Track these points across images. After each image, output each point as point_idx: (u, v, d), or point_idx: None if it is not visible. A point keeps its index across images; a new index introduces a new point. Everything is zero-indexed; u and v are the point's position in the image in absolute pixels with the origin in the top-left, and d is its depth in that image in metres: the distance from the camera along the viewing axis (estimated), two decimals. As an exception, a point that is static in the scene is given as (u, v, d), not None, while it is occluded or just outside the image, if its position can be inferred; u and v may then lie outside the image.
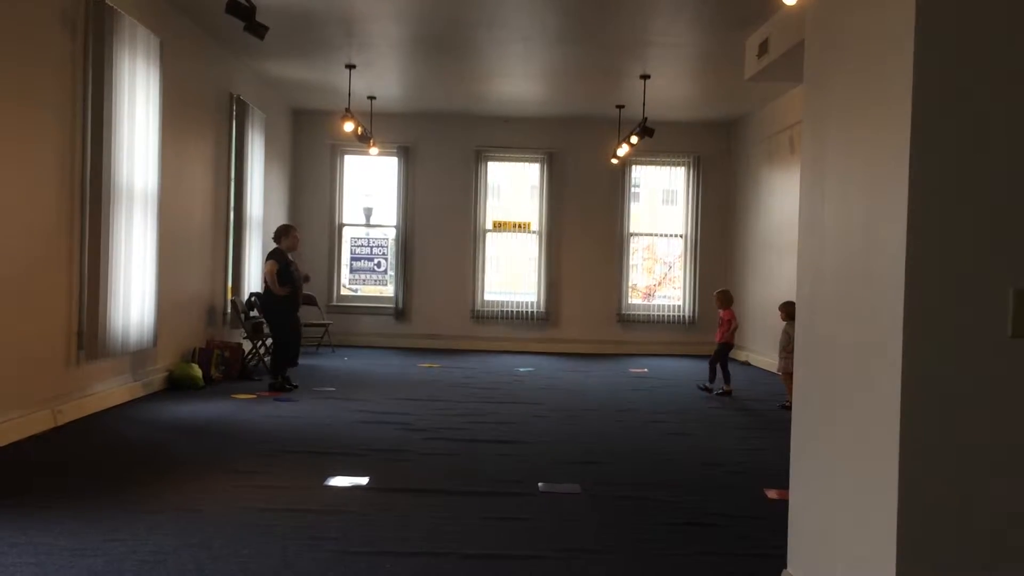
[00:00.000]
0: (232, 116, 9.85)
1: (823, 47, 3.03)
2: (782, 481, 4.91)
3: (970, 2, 2.34)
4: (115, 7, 6.64)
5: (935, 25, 2.33)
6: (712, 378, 9.00)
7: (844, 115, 2.82)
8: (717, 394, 8.78)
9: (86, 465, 5.13)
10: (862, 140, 2.66)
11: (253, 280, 10.42)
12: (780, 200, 11.17)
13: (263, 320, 9.87)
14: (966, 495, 2.35)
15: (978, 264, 2.34)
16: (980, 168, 2.35)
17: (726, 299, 9.17)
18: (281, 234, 8.46)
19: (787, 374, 8.01)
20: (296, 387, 8.31)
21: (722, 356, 8.98)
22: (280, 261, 8.19)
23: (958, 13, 2.34)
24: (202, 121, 9.04)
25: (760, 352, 11.81)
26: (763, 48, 8.13)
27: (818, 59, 3.07)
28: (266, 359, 9.69)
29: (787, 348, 8.00)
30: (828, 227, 2.90)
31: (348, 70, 10.17)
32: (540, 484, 4.95)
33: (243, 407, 7.25)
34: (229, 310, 9.79)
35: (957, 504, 2.35)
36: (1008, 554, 2.35)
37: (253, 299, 10.17)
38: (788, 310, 8.26)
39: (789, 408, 7.80)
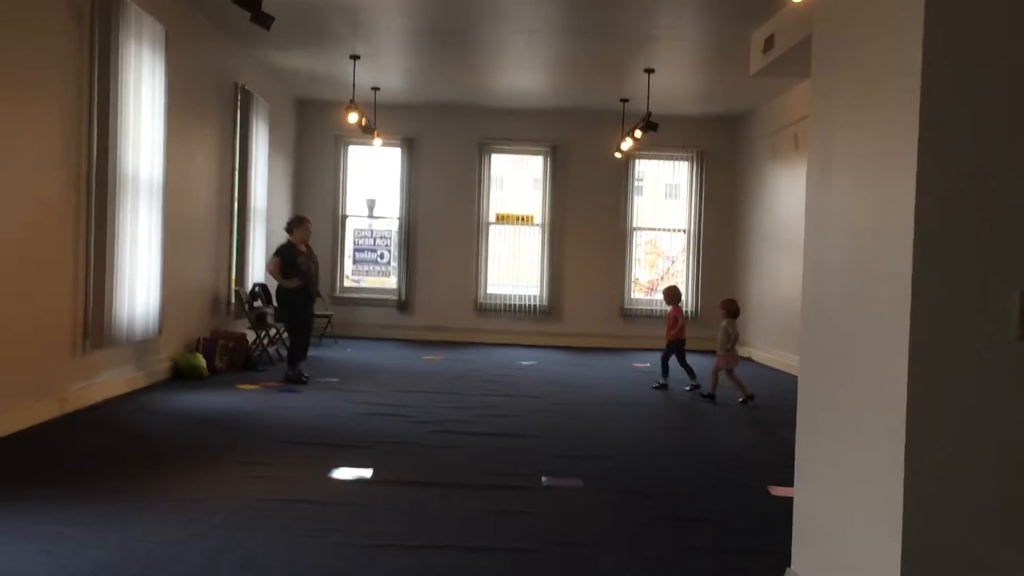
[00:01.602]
0: (237, 106, 9.84)
1: (831, 42, 3.03)
2: (785, 477, 4.93)
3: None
4: (121, -4, 6.64)
5: (944, 19, 2.33)
6: (692, 375, 8.82)
7: (852, 111, 2.82)
8: (687, 390, 8.65)
9: (92, 454, 5.15)
10: (870, 136, 2.67)
11: (257, 270, 10.43)
12: (784, 196, 11.16)
13: (267, 311, 9.90)
14: (972, 494, 2.36)
15: (985, 263, 2.34)
16: (989, 165, 2.35)
17: (674, 296, 9.14)
18: (294, 225, 8.48)
19: (727, 371, 8.12)
20: (307, 380, 8.34)
21: (678, 353, 8.86)
22: (286, 256, 8.20)
23: (967, 7, 2.34)
24: (207, 111, 9.04)
25: (762, 348, 11.82)
26: (769, 43, 8.12)
27: (826, 54, 3.07)
28: (270, 349, 9.71)
29: (725, 345, 8.06)
30: (835, 224, 2.91)
31: (352, 61, 10.16)
32: (543, 478, 4.97)
33: (247, 397, 7.27)
34: (233, 300, 9.81)
35: (963, 503, 2.36)
36: (1014, 554, 2.37)
37: (257, 289, 10.18)
38: (728, 307, 8.34)
39: (744, 402, 8.00)
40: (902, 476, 2.35)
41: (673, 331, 8.84)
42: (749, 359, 12.00)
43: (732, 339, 8.13)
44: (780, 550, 3.59)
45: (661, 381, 8.88)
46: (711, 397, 8.18)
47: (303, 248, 8.40)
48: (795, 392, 3.23)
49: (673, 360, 8.82)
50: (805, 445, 3.12)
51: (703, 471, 5.37)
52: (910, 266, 2.35)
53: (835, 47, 2.99)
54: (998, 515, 2.37)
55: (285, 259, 8.18)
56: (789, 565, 3.22)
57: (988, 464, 2.36)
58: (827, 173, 3.00)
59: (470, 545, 3.74)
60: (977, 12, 2.34)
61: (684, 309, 13.38)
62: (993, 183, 2.35)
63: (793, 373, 9.93)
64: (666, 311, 13.30)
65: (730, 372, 8.14)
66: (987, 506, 2.36)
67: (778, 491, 4.86)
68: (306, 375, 8.37)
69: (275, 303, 8.88)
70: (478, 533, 3.92)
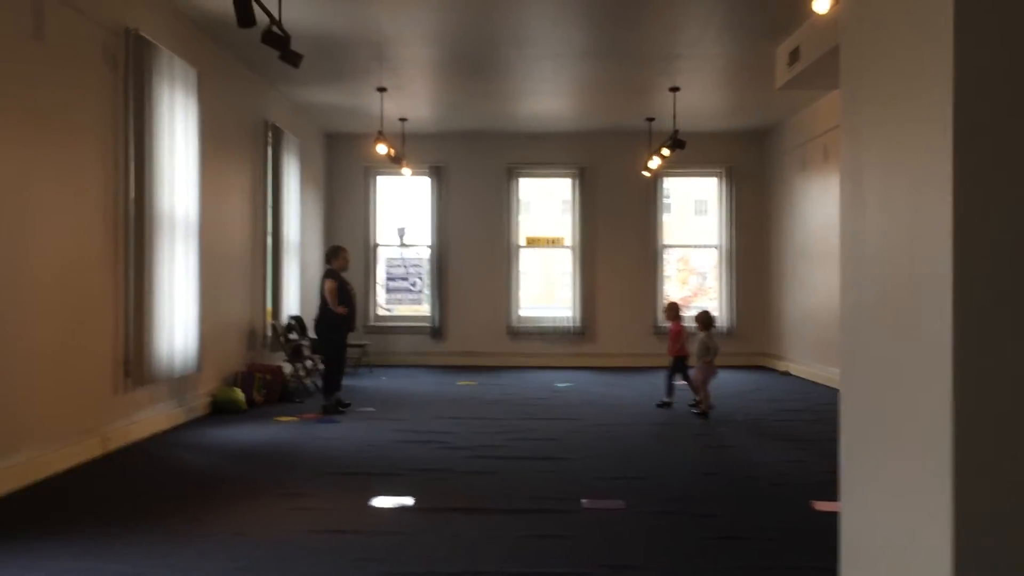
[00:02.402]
0: (267, 142, 10.01)
1: (859, 53, 3.02)
2: (828, 492, 4.85)
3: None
4: (154, 41, 6.80)
5: (976, 26, 2.31)
6: (670, 392, 8.81)
7: (883, 122, 2.81)
8: (706, 407, 8.47)
9: (136, 491, 5.22)
10: (902, 147, 2.64)
11: (291, 303, 10.55)
12: (815, 208, 11.07)
13: (302, 343, 9.98)
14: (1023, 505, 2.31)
15: (1025, 270, 2.31)
16: (1024, 174, 2.31)
17: (675, 312, 9.09)
18: (332, 256, 8.55)
19: (701, 382, 8.10)
20: (349, 405, 8.39)
21: (680, 369, 8.82)
22: (337, 280, 8.30)
23: (998, 15, 2.31)
24: (239, 149, 9.20)
25: (799, 362, 11.68)
26: (794, 56, 8.10)
27: (854, 66, 3.06)
28: (306, 381, 9.78)
29: (703, 357, 8.01)
30: (870, 237, 2.88)
31: (379, 93, 10.30)
32: (583, 500, 4.94)
33: (286, 430, 7.33)
34: (269, 333, 9.91)
35: (1015, 517, 2.31)
36: (1068, 565, 2.31)
37: (292, 322, 10.28)
38: (704, 320, 8.29)
39: (700, 415, 7.96)
40: (951, 490, 2.31)
41: (676, 347, 8.80)
42: (788, 373, 11.86)
43: (712, 352, 8.15)
44: (826, 566, 3.53)
45: (665, 399, 8.81)
46: (705, 415, 8.12)
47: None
48: (834, 405, 3.19)
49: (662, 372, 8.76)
50: (849, 459, 3.08)
51: (745, 488, 5.30)
52: (950, 278, 2.31)
53: (863, 58, 2.98)
54: (1052, 525, 2.31)
55: (338, 282, 8.28)
56: (838, 582, 3.16)
57: (1038, 473, 2.31)
58: (859, 186, 2.97)
59: (513, 571, 3.72)
60: (1010, 20, 2.32)
61: (718, 326, 13.35)
62: (1029, 188, 2.31)
63: (832, 386, 9.79)
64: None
65: (704, 383, 8.16)
66: (1040, 516, 2.31)
67: (822, 506, 4.79)
68: (347, 401, 8.43)
69: (314, 333, 8.88)
70: (521, 558, 3.90)
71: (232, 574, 3.64)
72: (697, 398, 8.38)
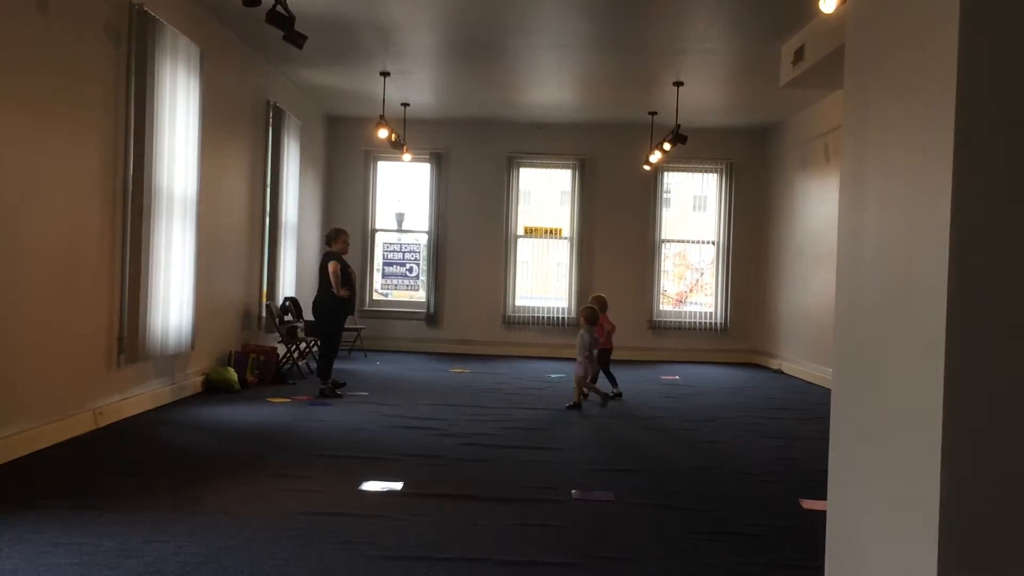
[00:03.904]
0: (268, 123, 9.99)
1: (864, 53, 3.02)
2: (817, 491, 4.88)
3: (1018, 1, 2.31)
4: (158, 17, 6.77)
5: (980, 29, 2.31)
6: (615, 383, 8.88)
7: (886, 122, 2.81)
8: (611, 396, 8.56)
9: (127, 467, 5.23)
10: (904, 148, 2.65)
11: (288, 284, 10.55)
12: (815, 208, 11.08)
13: (297, 325, 9.98)
14: (1012, 509, 2.32)
15: (1022, 274, 2.31)
16: (1025, 179, 2.32)
17: (602, 306, 9.11)
18: (332, 238, 8.51)
19: (582, 377, 8.16)
20: (344, 384, 8.40)
21: (605, 362, 8.90)
22: (341, 261, 8.28)
23: (1006, 15, 2.31)
24: (239, 128, 9.18)
25: (792, 361, 11.71)
26: (799, 55, 8.09)
27: (859, 66, 3.06)
28: (300, 363, 9.79)
29: (583, 353, 8.06)
30: (868, 236, 2.89)
31: (382, 77, 10.27)
32: (573, 491, 4.96)
33: (279, 411, 7.34)
34: (264, 314, 9.91)
35: (1002, 519, 2.33)
36: (1052, 570, 2.33)
37: (287, 303, 10.28)
38: (587, 315, 8.34)
39: (573, 407, 8.01)
40: (938, 491, 2.32)
41: (604, 339, 8.85)
42: (780, 371, 11.90)
43: (592, 346, 8.20)
44: (812, 565, 3.56)
45: (614, 391, 8.81)
46: (577, 406, 8.16)
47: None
48: (827, 405, 3.21)
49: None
50: (838, 459, 3.09)
51: (734, 484, 5.33)
52: (945, 279, 2.32)
53: (868, 58, 2.98)
54: (1037, 530, 2.33)
55: (340, 264, 8.25)
56: (823, 580, 3.19)
57: (1026, 478, 2.32)
58: (860, 187, 2.98)
59: (501, 559, 3.74)
60: (1015, 21, 2.32)
61: (714, 322, 13.38)
62: (1028, 194, 2.32)
63: (825, 385, 9.83)
64: (695, 323, 13.34)
65: (584, 378, 8.22)
66: (1026, 521, 2.32)
67: (810, 504, 4.81)
68: (343, 381, 8.44)
69: (312, 315, 8.85)
70: (509, 546, 3.92)
71: (222, 552, 3.66)
72: (585, 392, 8.38)
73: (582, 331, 8.31)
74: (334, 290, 8.16)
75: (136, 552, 3.61)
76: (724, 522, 4.47)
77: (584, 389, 8.44)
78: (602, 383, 8.80)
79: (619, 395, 8.79)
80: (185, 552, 3.64)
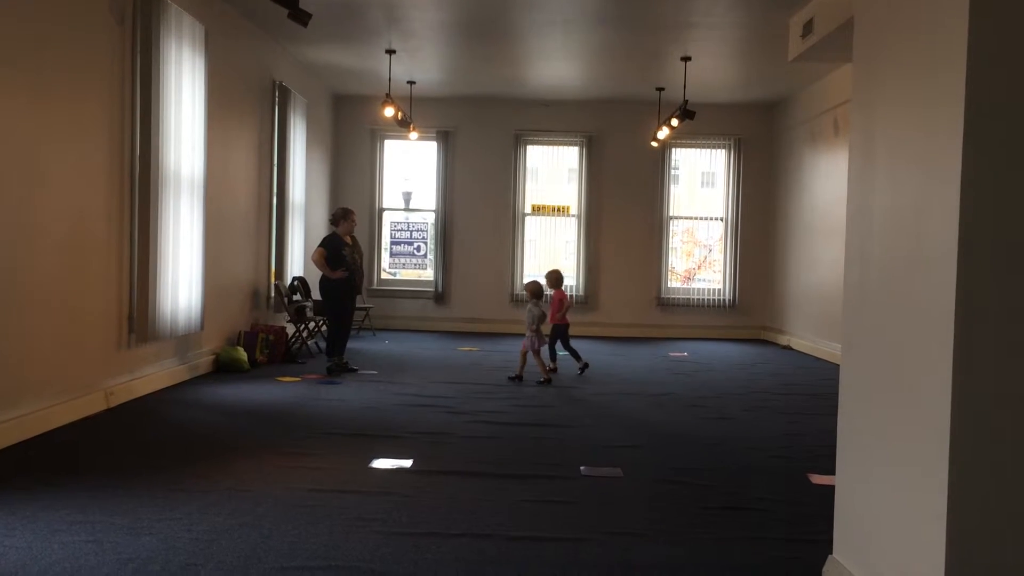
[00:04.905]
0: (274, 102, 9.96)
1: (873, 26, 2.99)
2: (825, 466, 4.89)
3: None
4: (161, -4, 6.74)
5: (991, 2, 2.28)
6: (578, 358, 8.88)
7: (895, 96, 2.78)
8: (547, 373, 8.42)
9: (139, 446, 5.27)
10: (913, 121, 2.63)
11: (296, 264, 10.56)
12: (823, 183, 11.02)
13: (306, 304, 10.01)
14: (1018, 484, 2.32)
15: (1032, 249, 2.30)
16: (1035, 151, 2.30)
17: (556, 280, 9.14)
18: (340, 218, 8.50)
19: (533, 351, 8.19)
20: (356, 371, 8.45)
21: (562, 336, 8.94)
22: (331, 247, 8.26)
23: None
24: (245, 107, 9.16)
25: (802, 336, 11.70)
26: (807, 28, 8.00)
27: (868, 39, 3.03)
28: (309, 342, 9.83)
29: (531, 327, 8.13)
30: (877, 210, 2.87)
31: (388, 55, 10.21)
32: (582, 467, 4.98)
33: (288, 390, 7.38)
34: (273, 294, 9.94)
35: (1008, 491, 2.33)
36: (1061, 543, 2.33)
37: (296, 283, 10.30)
38: (532, 289, 8.38)
39: (545, 382, 8.04)
40: (946, 464, 2.32)
41: (558, 315, 8.88)
42: (789, 347, 11.89)
43: (537, 320, 8.24)
44: (821, 539, 3.57)
45: (579, 364, 8.84)
46: (518, 379, 8.23)
47: (348, 240, 8.46)
48: (836, 380, 3.21)
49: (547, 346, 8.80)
50: (847, 433, 3.10)
51: (743, 460, 5.34)
52: (955, 252, 2.31)
53: (877, 31, 2.95)
54: (1046, 503, 2.33)
55: (330, 250, 8.25)
56: (831, 552, 3.20)
57: (1035, 451, 2.32)
58: (869, 160, 2.96)
59: (511, 534, 3.76)
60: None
61: (723, 298, 13.36)
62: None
63: (833, 361, 9.82)
64: (704, 299, 13.32)
65: (536, 352, 8.24)
66: (1035, 494, 2.32)
67: (819, 479, 4.82)
68: (353, 366, 8.47)
69: (318, 295, 8.90)
70: (518, 522, 3.94)
71: (234, 530, 3.69)
72: (520, 369, 8.36)
73: (529, 305, 8.37)
74: (325, 275, 8.22)
75: (148, 529, 3.65)
76: (733, 497, 4.48)
77: (552, 364, 8.62)
78: (562, 358, 8.94)
79: (586, 366, 8.83)
80: (197, 529, 3.68)
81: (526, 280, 8.76)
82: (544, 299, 8.74)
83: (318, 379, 7.99)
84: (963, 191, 2.30)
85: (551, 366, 8.78)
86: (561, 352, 9.02)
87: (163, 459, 4.91)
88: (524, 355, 8.34)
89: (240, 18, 8.86)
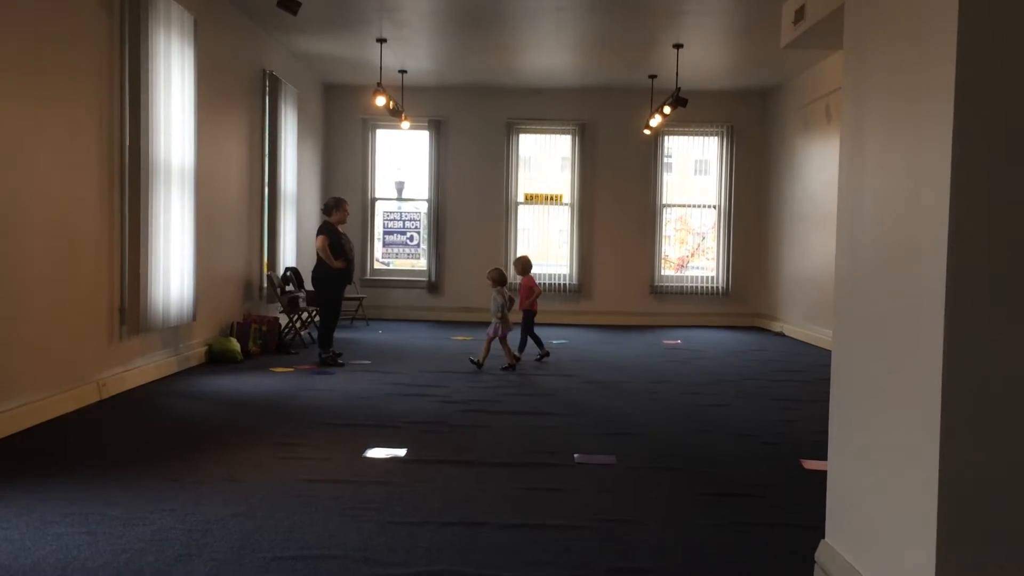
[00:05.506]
0: (265, 92, 9.91)
1: (863, 13, 2.98)
2: (818, 452, 4.91)
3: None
4: (149, -15, 6.69)
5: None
6: (540, 345, 8.98)
7: (886, 81, 2.78)
8: (536, 359, 8.77)
9: (132, 437, 5.26)
10: (904, 106, 2.62)
11: (288, 255, 10.54)
12: (815, 170, 11.02)
13: (299, 295, 9.99)
14: (1010, 469, 2.33)
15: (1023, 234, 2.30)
16: (1026, 136, 2.30)
17: (525, 267, 9.18)
18: (332, 207, 8.48)
19: (500, 338, 8.25)
20: (340, 354, 8.44)
21: (529, 323, 9.04)
22: (331, 235, 8.25)
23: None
24: (236, 97, 9.11)
25: (794, 323, 11.73)
26: (799, 14, 7.96)
27: (858, 24, 3.02)
28: (302, 333, 9.81)
29: (496, 314, 8.22)
30: (868, 196, 2.87)
31: (379, 44, 10.17)
32: (576, 455, 4.99)
33: (282, 380, 7.37)
34: (265, 285, 9.92)
35: (1000, 479, 2.34)
36: (1051, 525, 2.34)
37: (288, 273, 10.28)
38: (495, 277, 8.46)
39: (508, 369, 8.10)
40: (937, 448, 2.33)
41: (528, 301, 8.94)
42: (782, 334, 11.92)
43: (503, 307, 8.27)
44: (814, 524, 3.58)
45: (541, 352, 8.93)
46: (479, 365, 8.25)
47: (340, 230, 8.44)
48: (828, 367, 3.22)
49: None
50: (839, 419, 3.11)
51: (736, 446, 5.35)
52: (945, 239, 2.31)
53: (868, 19, 2.94)
54: (1036, 486, 2.34)
55: (331, 238, 8.23)
56: (824, 537, 3.22)
57: (1026, 435, 2.33)
58: (860, 145, 2.96)
59: (505, 522, 3.77)
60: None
61: (715, 286, 13.38)
62: (1030, 150, 2.30)
63: (826, 347, 9.85)
64: (697, 287, 13.34)
65: (503, 339, 8.28)
66: (1025, 478, 2.33)
67: (811, 465, 4.84)
68: (340, 353, 8.47)
69: (311, 285, 8.87)
70: (513, 510, 3.95)
71: (228, 520, 3.69)
72: (482, 355, 8.35)
73: (493, 293, 8.38)
74: (328, 265, 8.20)
75: (142, 521, 3.65)
76: (726, 483, 4.50)
77: (516, 354, 8.63)
78: (529, 345, 9.01)
79: (547, 355, 8.92)
80: (191, 520, 3.67)
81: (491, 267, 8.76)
82: (511, 286, 8.77)
83: (311, 369, 7.99)
84: (954, 175, 2.30)
85: (541, 352, 8.85)
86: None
87: (156, 450, 4.90)
88: (489, 342, 8.34)
89: (229, 7, 8.81)
